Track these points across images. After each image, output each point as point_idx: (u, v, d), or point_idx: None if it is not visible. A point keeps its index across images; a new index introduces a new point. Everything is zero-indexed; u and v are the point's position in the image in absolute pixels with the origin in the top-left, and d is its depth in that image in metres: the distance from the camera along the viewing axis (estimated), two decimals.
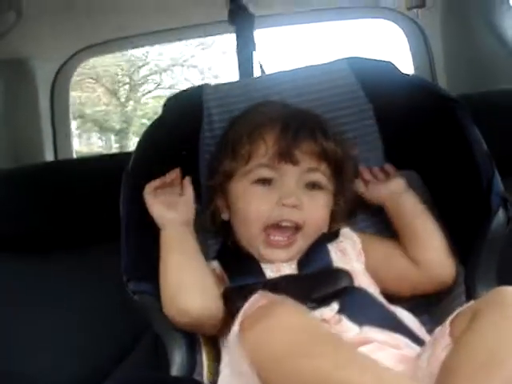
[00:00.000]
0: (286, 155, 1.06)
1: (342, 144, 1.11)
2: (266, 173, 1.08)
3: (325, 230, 1.11)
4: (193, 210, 1.09)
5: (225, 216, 1.13)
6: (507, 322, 0.72)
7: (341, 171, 1.11)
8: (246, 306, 0.82)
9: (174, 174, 1.10)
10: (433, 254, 1.07)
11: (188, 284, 0.99)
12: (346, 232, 1.13)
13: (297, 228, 1.06)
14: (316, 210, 1.08)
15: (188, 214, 1.08)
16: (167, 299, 0.98)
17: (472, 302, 0.81)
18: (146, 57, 8.11)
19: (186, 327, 1.00)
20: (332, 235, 1.12)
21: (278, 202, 1.05)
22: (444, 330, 0.79)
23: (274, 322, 0.75)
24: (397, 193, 1.13)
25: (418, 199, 1.12)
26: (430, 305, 1.11)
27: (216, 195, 1.14)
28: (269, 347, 0.73)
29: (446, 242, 1.07)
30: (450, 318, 0.80)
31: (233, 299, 0.98)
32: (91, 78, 7.68)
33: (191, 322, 0.99)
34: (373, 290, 1.03)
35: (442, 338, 0.79)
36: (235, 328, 0.78)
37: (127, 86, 8.67)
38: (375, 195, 1.16)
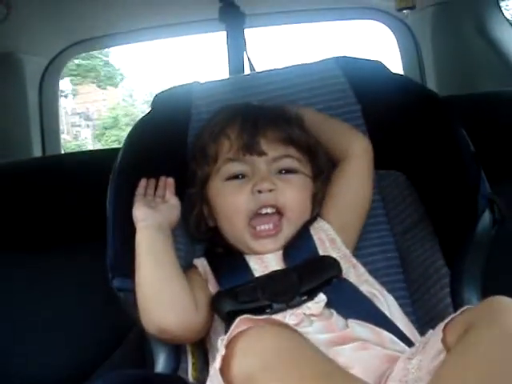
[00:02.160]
0: (249, 146, 1.07)
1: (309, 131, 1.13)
2: (235, 167, 1.09)
3: (308, 215, 1.11)
4: (177, 217, 1.09)
5: (210, 222, 1.13)
6: (502, 339, 0.71)
7: (314, 156, 1.13)
8: (228, 335, 0.78)
9: (153, 181, 1.10)
10: (346, 139, 1.15)
11: (160, 300, 0.97)
12: (318, 220, 1.12)
13: (279, 213, 1.06)
14: (294, 191, 1.08)
15: (170, 220, 1.07)
16: (143, 315, 0.98)
17: (465, 309, 0.79)
18: None
19: (167, 341, 1.01)
20: (311, 221, 1.11)
21: (253, 189, 1.05)
22: (437, 336, 0.78)
23: (258, 355, 0.73)
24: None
25: (315, 111, 1.18)
26: (414, 303, 1.11)
27: (198, 202, 1.14)
28: None
29: (346, 125, 1.17)
30: (443, 323, 0.78)
31: (221, 304, 0.98)
32: None
33: (171, 339, 1.00)
34: (353, 273, 1.03)
35: (434, 344, 0.78)
36: (216, 365, 0.75)
37: None
38: None
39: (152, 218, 1.03)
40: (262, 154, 1.07)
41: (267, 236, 1.06)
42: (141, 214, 1.04)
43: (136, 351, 1.04)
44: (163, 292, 0.98)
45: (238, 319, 0.79)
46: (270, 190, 1.05)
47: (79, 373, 1.31)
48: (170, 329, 0.96)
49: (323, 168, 1.14)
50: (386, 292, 1.03)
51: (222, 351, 0.75)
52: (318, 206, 1.13)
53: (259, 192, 1.05)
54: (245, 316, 0.80)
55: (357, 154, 1.14)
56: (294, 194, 1.07)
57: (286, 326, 0.80)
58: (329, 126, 1.17)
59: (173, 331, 0.97)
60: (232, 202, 1.07)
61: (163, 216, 1.05)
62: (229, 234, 1.10)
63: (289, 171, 1.09)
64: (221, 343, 0.78)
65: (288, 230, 1.07)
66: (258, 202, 1.05)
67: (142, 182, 1.08)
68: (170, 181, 1.10)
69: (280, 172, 1.08)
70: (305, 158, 1.11)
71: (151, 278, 0.99)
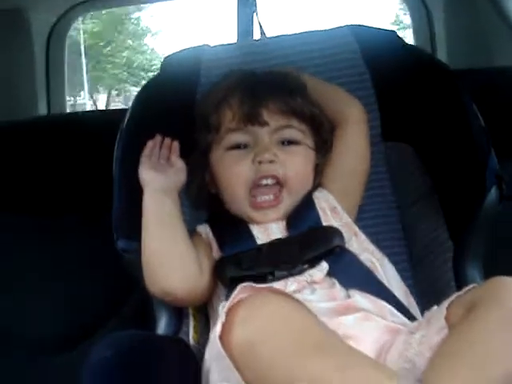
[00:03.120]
0: (251, 116, 1.06)
1: (313, 100, 1.12)
2: (237, 137, 1.08)
3: (309, 185, 1.10)
4: (183, 180, 1.08)
5: (212, 189, 1.13)
6: (505, 319, 0.72)
7: (318, 127, 1.11)
8: (229, 303, 0.78)
9: (159, 139, 1.08)
10: (340, 105, 1.15)
11: (166, 262, 0.98)
12: (320, 190, 1.12)
13: (279, 184, 1.06)
14: (295, 163, 1.07)
15: (176, 183, 1.06)
16: (147, 277, 0.98)
17: (470, 288, 0.80)
18: None
19: (170, 304, 1.01)
20: (313, 191, 1.11)
21: (254, 160, 1.05)
22: (440, 313, 0.79)
23: (258, 324, 0.73)
24: None
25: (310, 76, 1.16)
26: (416, 276, 1.12)
27: (200, 169, 1.13)
28: (255, 353, 0.72)
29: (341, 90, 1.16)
30: (448, 301, 0.79)
31: (224, 270, 0.99)
32: None
33: (175, 301, 1.00)
34: (355, 241, 1.03)
35: (437, 321, 0.79)
36: (217, 329, 0.76)
37: None
38: None
39: (159, 182, 1.03)
40: (263, 124, 1.06)
41: (268, 207, 1.05)
42: (148, 177, 1.04)
43: (138, 312, 1.05)
44: (169, 254, 0.98)
45: (239, 287, 0.80)
46: (271, 161, 1.04)
47: (80, 333, 1.33)
48: (174, 291, 0.97)
49: (327, 138, 1.13)
50: (386, 261, 1.03)
51: (222, 318, 0.76)
52: (320, 176, 1.13)
53: (260, 162, 1.04)
54: (246, 284, 0.81)
55: (353, 120, 1.14)
56: (295, 166, 1.07)
57: (288, 295, 0.80)
58: (325, 91, 1.16)
59: (177, 293, 0.98)
60: (233, 172, 1.07)
61: (170, 180, 1.05)
62: (229, 202, 1.10)
63: (291, 142, 1.08)
64: (222, 309, 0.78)
65: (289, 201, 1.07)
66: (259, 173, 1.05)
67: (150, 143, 1.08)
68: (176, 144, 1.09)
69: (282, 143, 1.07)
70: (308, 129, 1.10)
71: (157, 241, 0.99)
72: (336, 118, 1.14)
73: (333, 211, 1.08)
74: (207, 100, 1.14)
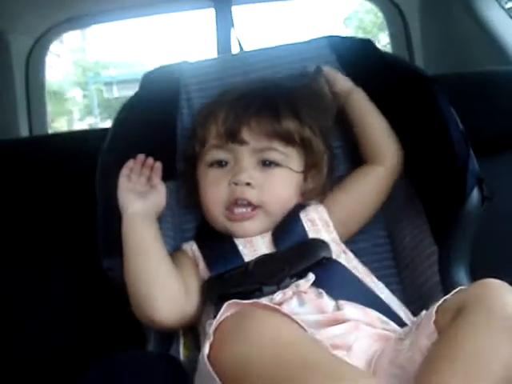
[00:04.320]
0: (231, 134, 1.06)
1: (308, 121, 1.09)
2: (218, 154, 1.08)
3: (291, 206, 1.08)
4: (163, 204, 1.08)
5: (198, 200, 1.12)
6: (492, 321, 0.72)
7: (307, 148, 1.09)
8: (216, 321, 0.78)
9: (141, 158, 1.08)
10: (386, 145, 1.12)
11: (149, 292, 0.97)
12: (311, 203, 1.12)
13: (254, 206, 1.05)
14: (273, 187, 1.06)
15: (156, 208, 1.06)
16: (133, 306, 0.98)
17: (457, 291, 0.80)
18: None
19: (160, 330, 1.01)
20: (302, 207, 1.10)
21: (230, 181, 1.05)
22: (429, 317, 0.79)
23: (244, 341, 0.72)
24: (344, 92, 1.15)
25: (368, 99, 1.15)
26: (402, 282, 1.12)
27: (189, 180, 1.14)
28: (243, 371, 0.71)
29: (388, 128, 1.13)
30: (436, 305, 0.79)
31: (212, 289, 0.98)
32: None
33: (163, 328, 1.00)
34: (344, 258, 1.03)
35: (426, 325, 0.79)
36: (205, 349, 0.75)
37: None
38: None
39: (138, 207, 1.03)
40: (243, 142, 1.06)
41: (243, 219, 1.05)
42: (127, 201, 1.03)
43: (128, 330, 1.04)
44: (151, 284, 0.97)
45: (225, 304, 0.79)
46: (248, 184, 1.04)
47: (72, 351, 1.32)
48: (161, 320, 0.97)
49: (317, 160, 1.11)
50: (375, 279, 1.03)
51: (209, 337, 0.75)
52: (309, 196, 1.11)
53: (236, 184, 1.04)
54: (232, 301, 0.80)
55: (386, 169, 1.12)
56: (272, 190, 1.06)
57: (274, 309, 0.80)
58: (372, 121, 1.14)
59: (163, 322, 0.97)
60: (211, 192, 1.07)
61: (150, 204, 1.05)
62: (209, 218, 1.10)
63: (272, 163, 1.07)
64: (209, 328, 0.78)
65: (266, 219, 1.06)
66: (234, 195, 1.04)
67: (129, 163, 1.07)
68: (158, 165, 1.09)
69: (263, 164, 1.06)
70: (293, 151, 1.08)
71: (139, 270, 0.98)
72: (369, 152, 1.13)
73: (325, 224, 1.08)
74: (198, 113, 1.15)
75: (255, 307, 0.80)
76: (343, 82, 1.16)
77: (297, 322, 0.77)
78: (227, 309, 0.79)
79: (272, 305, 0.81)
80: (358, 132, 1.15)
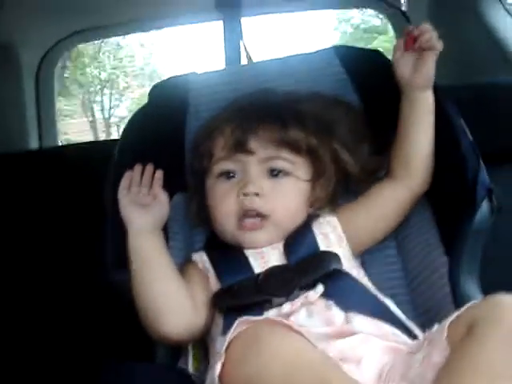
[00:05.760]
0: (239, 144, 1.06)
1: (314, 131, 1.09)
2: (226, 165, 1.07)
3: (301, 216, 1.08)
4: (166, 216, 1.07)
5: (207, 213, 1.12)
6: (506, 338, 0.72)
7: (315, 157, 1.09)
8: (227, 340, 0.77)
9: (140, 168, 1.07)
10: (421, 167, 1.07)
11: (157, 308, 0.96)
12: (325, 216, 1.11)
13: (263, 217, 1.04)
14: (283, 196, 1.06)
15: (161, 220, 1.06)
16: (142, 321, 0.97)
17: (469, 307, 0.79)
18: None
19: (170, 345, 1.01)
20: (314, 216, 1.10)
21: (239, 192, 1.04)
22: (441, 333, 0.78)
23: (255, 361, 0.72)
24: (425, 81, 1.06)
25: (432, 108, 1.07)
26: (411, 293, 1.11)
27: (198, 194, 1.13)
28: None
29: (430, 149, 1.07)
30: (448, 321, 0.79)
31: (221, 301, 0.98)
32: None
33: (173, 343, 1.00)
34: (356, 273, 1.02)
35: (438, 341, 0.78)
36: (216, 369, 0.74)
37: None
38: (403, 70, 1.07)
39: (142, 220, 1.02)
40: (250, 152, 1.05)
41: (253, 229, 1.04)
42: (130, 215, 1.03)
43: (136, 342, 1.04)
44: (159, 299, 0.97)
45: (237, 321, 0.79)
46: (256, 194, 1.04)
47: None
48: (170, 336, 0.96)
49: (325, 169, 1.10)
50: (383, 297, 1.02)
51: (221, 357, 0.75)
52: (319, 205, 1.10)
53: (245, 195, 1.04)
54: (244, 318, 0.79)
55: (411, 192, 1.09)
56: (281, 200, 1.05)
57: (285, 326, 0.79)
58: (423, 133, 1.07)
59: (172, 338, 0.97)
60: (220, 204, 1.07)
61: (153, 217, 1.04)
62: (220, 230, 1.09)
63: (280, 172, 1.06)
64: (220, 345, 0.77)
65: (275, 229, 1.05)
66: (243, 205, 1.04)
67: (128, 174, 1.06)
68: (159, 174, 1.07)
69: (271, 173, 1.06)
70: (301, 160, 1.08)
71: (146, 286, 0.98)
72: (399, 167, 1.09)
73: (339, 239, 1.08)
74: (204, 127, 1.15)
75: (267, 324, 0.79)
76: (430, 70, 1.05)
77: (307, 340, 0.76)
78: (238, 326, 0.78)
79: (286, 322, 0.79)
80: (399, 139, 1.09)
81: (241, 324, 0.78)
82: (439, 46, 1.03)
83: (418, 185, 1.09)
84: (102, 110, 10.06)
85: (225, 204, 1.06)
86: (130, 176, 1.06)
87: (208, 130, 1.12)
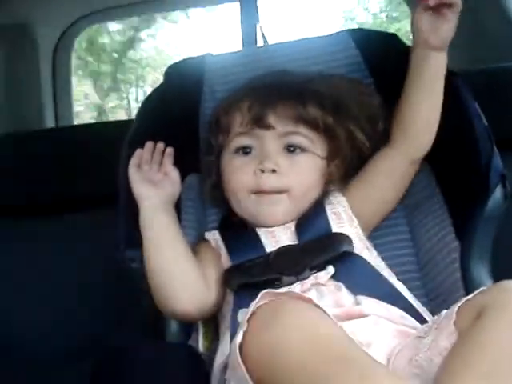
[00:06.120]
0: (258, 119, 1.06)
1: (333, 109, 1.09)
2: (243, 140, 1.08)
3: (316, 194, 1.09)
4: (178, 193, 1.08)
5: (225, 192, 1.12)
6: None
7: (331, 135, 1.09)
8: (250, 310, 0.77)
9: (150, 146, 1.07)
10: (424, 125, 1.06)
11: (169, 284, 0.97)
12: (336, 195, 1.11)
13: (280, 192, 1.05)
14: (299, 173, 1.06)
15: (173, 196, 1.06)
16: (155, 298, 0.98)
17: (479, 292, 0.79)
18: None
19: (182, 321, 1.02)
20: (325, 196, 1.10)
21: (256, 168, 1.05)
22: (450, 318, 0.78)
23: (279, 332, 0.71)
24: (441, 41, 1.02)
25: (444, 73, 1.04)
26: (423, 278, 1.12)
27: (214, 171, 1.14)
28: (276, 362, 0.70)
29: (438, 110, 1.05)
30: (457, 305, 0.79)
31: (232, 278, 0.99)
32: None
33: (185, 320, 1.01)
34: (367, 254, 1.03)
35: (446, 325, 0.78)
36: (238, 338, 0.74)
37: None
38: (422, 24, 1.01)
39: (154, 197, 1.02)
40: (269, 127, 1.06)
41: (270, 203, 1.05)
42: (142, 191, 1.03)
43: (147, 319, 1.05)
44: (172, 275, 0.97)
45: (261, 293, 0.78)
46: (273, 171, 1.04)
47: (90, 341, 1.34)
48: (183, 312, 0.97)
49: (341, 148, 1.10)
50: (395, 279, 1.02)
51: (243, 326, 0.75)
52: (333, 184, 1.11)
53: (262, 171, 1.04)
54: (267, 290, 0.79)
55: (411, 158, 1.09)
56: (298, 176, 1.06)
57: (308, 301, 0.78)
58: (427, 97, 1.05)
59: (185, 314, 0.98)
60: (237, 180, 1.07)
61: (165, 193, 1.05)
62: (235, 206, 1.10)
63: (297, 148, 1.07)
64: (242, 316, 0.78)
65: (292, 205, 1.06)
66: (260, 182, 1.04)
67: (138, 151, 1.06)
68: (169, 150, 1.08)
69: (288, 149, 1.07)
70: (318, 137, 1.08)
71: (159, 262, 0.98)
72: (395, 132, 1.09)
73: (350, 219, 1.08)
74: (221, 103, 1.15)
75: (290, 297, 0.79)
76: (450, 31, 1.01)
77: (330, 317, 0.76)
78: (262, 298, 0.78)
79: (307, 296, 0.79)
80: (400, 104, 1.08)
81: (264, 296, 0.78)
82: (459, 1, 0.99)
83: (416, 149, 1.08)
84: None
85: (241, 179, 1.06)
86: (141, 154, 1.06)
87: (225, 106, 1.13)
